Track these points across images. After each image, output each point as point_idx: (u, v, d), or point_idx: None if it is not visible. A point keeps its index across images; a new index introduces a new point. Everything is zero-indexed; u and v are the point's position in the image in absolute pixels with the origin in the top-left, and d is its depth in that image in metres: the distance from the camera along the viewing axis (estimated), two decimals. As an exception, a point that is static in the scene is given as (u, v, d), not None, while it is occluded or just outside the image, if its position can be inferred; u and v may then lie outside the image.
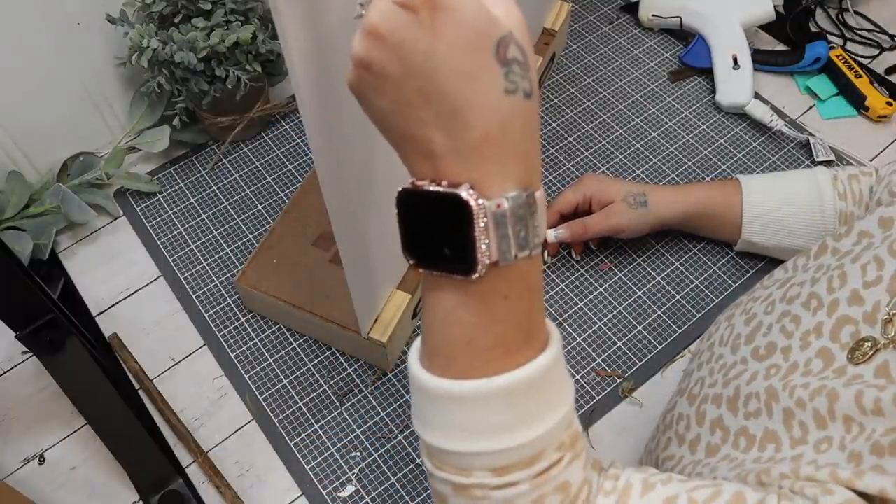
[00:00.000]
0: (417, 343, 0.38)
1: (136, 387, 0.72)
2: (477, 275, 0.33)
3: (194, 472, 0.67)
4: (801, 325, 0.50)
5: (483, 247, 0.32)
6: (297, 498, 0.66)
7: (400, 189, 0.34)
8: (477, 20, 0.31)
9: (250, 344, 0.74)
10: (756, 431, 0.48)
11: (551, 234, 0.75)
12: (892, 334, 0.43)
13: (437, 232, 0.34)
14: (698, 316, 0.76)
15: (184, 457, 0.68)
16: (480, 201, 0.32)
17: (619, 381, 0.72)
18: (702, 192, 0.75)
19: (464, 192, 0.32)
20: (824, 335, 0.47)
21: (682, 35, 1.00)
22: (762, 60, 0.94)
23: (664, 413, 0.61)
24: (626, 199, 0.74)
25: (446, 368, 0.36)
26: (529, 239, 0.34)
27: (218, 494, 0.66)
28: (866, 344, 0.43)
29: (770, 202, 0.72)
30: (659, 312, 0.76)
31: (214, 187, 0.86)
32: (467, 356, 0.35)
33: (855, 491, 0.37)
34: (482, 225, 0.32)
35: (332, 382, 0.72)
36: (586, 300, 0.77)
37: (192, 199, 0.85)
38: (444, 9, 0.30)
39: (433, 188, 0.33)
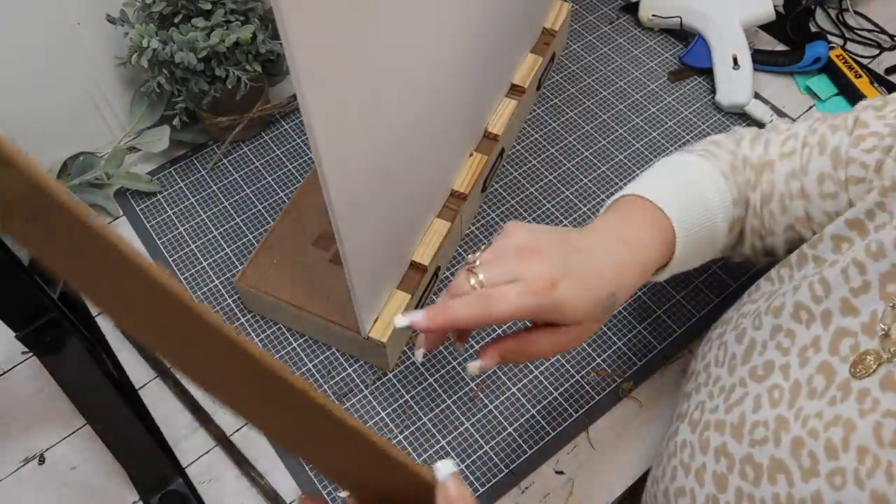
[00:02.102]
0: None
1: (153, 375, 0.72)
2: None
3: (194, 472, 0.67)
4: (797, 339, 0.49)
5: None
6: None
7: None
8: None
9: (250, 344, 0.74)
10: (761, 460, 0.46)
11: (474, 367, 0.48)
12: (894, 348, 0.42)
13: None
14: (698, 316, 0.76)
15: (184, 456, 0.68)
16: None
17: (619, 381, 0.72)
18: (650, 259, 0.52)
19: None
20: (823, 349, 0.46)
21: (682, 35, 1.00)
22: (762, 60, 0.94)
23: (667, 439, 0.60)
24: (596, 310, 0.48)
25: None
26: None
27: (242, 477, 0.66)
28: (869, 358, 0.43)
29: (691, 242, 0.56)
30: (659, 312, 0.76)
31: (214, 187, 0.86)
32: None
33: None
34: None
35: (332, 382, 0.72)
36: (586, 300, 0.77)
37: (192, 199, 0.85)
38: None
39: None
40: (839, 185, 0.53)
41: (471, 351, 0.73)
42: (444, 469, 0.37)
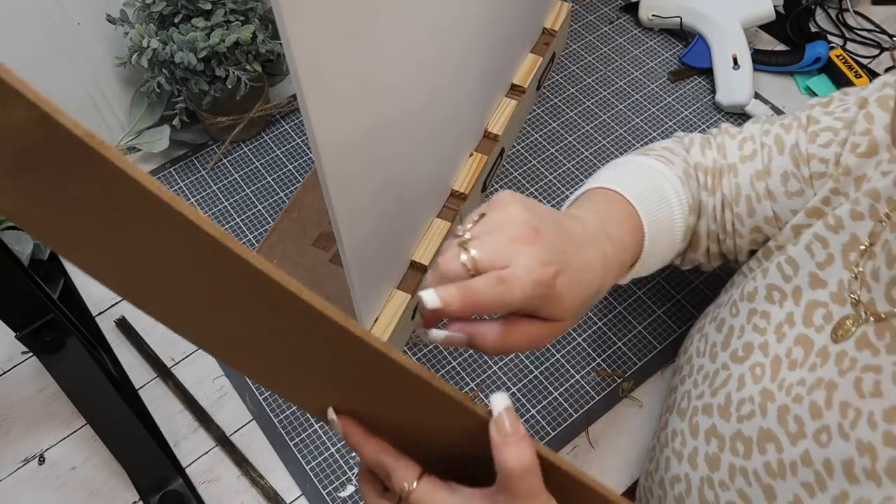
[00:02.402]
0: None
1: (153, 375, 0.72)
2: None
3: (194, 472, 0.67)
4: (772, 318, 0.51)
5: None
6: (298, 498, 0.66)
7: None
8: None
9: (250, 344, 0.74)
10: (750, 433, 0.48)
11: (437, 335, 0.41)
12: (866, 308, 0.44)
13: None
14: (698, 316, 0.76)
15: (184, 456, 0.68)
16: None
17: (619, 381, 0.72)
18: (626, 255, 0.51)
19: None
20: (797, 323, 0.49)
21: (682, 35, 1.00)
22: (762, 60, 0.94)
23: (657, 432, 0.61)
24: (581, 308, 0.45)
25: None
26: None
27: (243, 477, 0.66)
28: (848, 321, 0.45)
29: (657, 241, 0.54)
30: (659, 312, 0.76)
31: (214, 187, 0.86)
32: None
33: None
34: None
35: (332, 382, 0.72)
36: (586, 300, 0.77)
37: (192, 199, 0.85)
38: None
39: None
40: (804, 182, 0.54)
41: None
42: (500, 402, 0.35)
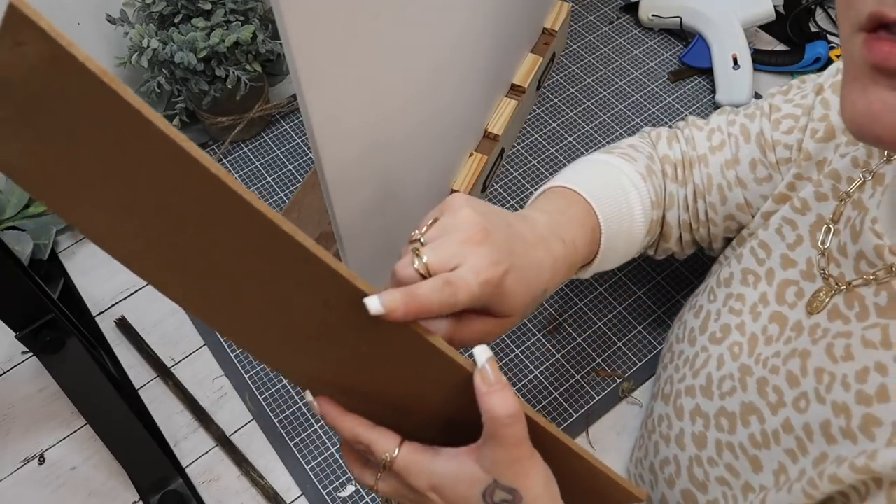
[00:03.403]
0: None
1: (153, 375, 0.72)
2: None
3: (194, 472, 0.67)
4: (747, 300, 0.53)
5: None
6: (297, 498, 0.66)
7: None
8: (457, 488, 0.39)
9: (250, 344, 0.74)
10: (733, 408, 0.50)
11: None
12: (836, 284, 0.46)
13: None
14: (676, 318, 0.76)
15: (184, 456, 0.68)
16: None
17: (619, 381, 0.72)
18: (579, 253, 0.51)
19: None
20: (771, 302, 0.51)
21: (682, 35, 1.00)
22: (762, 60, 0.94)
23: (644, 421, 0.62)
24: (529, 306, 0.46)
25: None
26: None
27: (243, 477, 0.66)
28: (822, 293, 0.47)
29: (614, 238, 0.55)
30: (659, 312, 0.76)
31: (214, 187, 0.86)
32: None
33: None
34: None
35: (332, 382, 0.72)
36: (586, 300, 0.77)
37: (192, 199, 0.85)
38: (436, 490, 0.39)
39: None
40: (771, 168, 0.57)
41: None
42: (482, 354, 0.37)
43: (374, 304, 0.35)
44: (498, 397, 0.36)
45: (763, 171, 0.57)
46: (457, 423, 0.39)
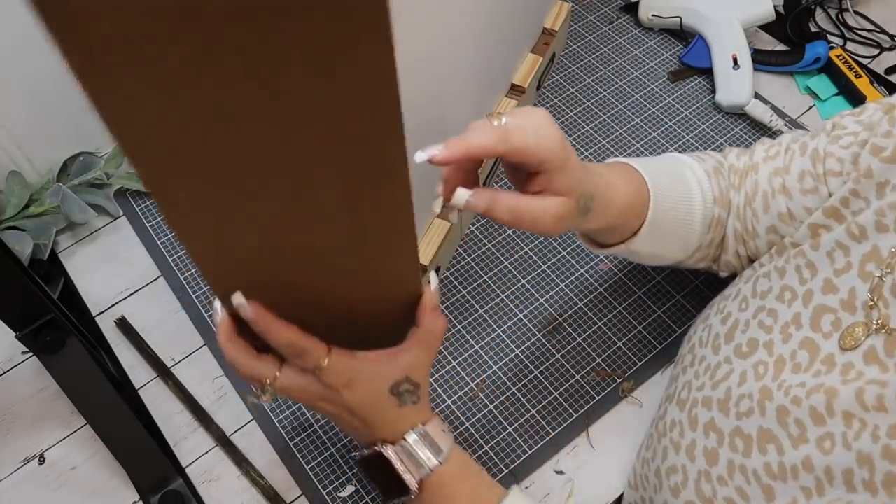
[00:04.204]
0: None
1: (153, 375, 0.72)
2: (414, 493, 0.50)
3: (194, 472, 0.67)
4: (779, 318, 0.51)
5: (407, 476, 0.49)
6: (297, 498, 0.66)
7: (355, 457, 0.53)
8: (372, 384, 0.49)
9: (250, 344, 0.74)
10: (750, 431, 0.48)
11: (461, 196, 0.49)
12: (879, 319, 0.44)
13: (384, 477, 0.51)
14: (698, 316, 0.76)
15: (184, 456, 0.68)
16: (389, 450, 0.50)
17: (619, 381, 0.72)
18: (625, 200, 0.55)
19: (380, 448, 0.50)
20: (804, 326, 0.49)
21: (682, 35, 1.00)
22: (762, 60, 0.95)
23: (655, 421, 0.61)
24: (578, 202, 0.50)
25: None
26: (434, 452, 0.50)
27: (243, 477, 0.66)
28: (858, 329, 0.45)
29: (667, 211, 0.58)
30: (659, 312, 0.76)
31: (214, 187, 0.86)
32: None
33: None
34: (399, 463, 0.50)
35: (332, 382, 0.72)
36: (586, 300, 0.77)
37: (192, 199, 0.85)
38: (349, 387, 0.48)
39: (366, 452, 0.52)
40: (818, 179, 0.55)
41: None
42: (435, 279, 0.49)
43: (418, 156, 0.44)
44: (440, 317, 0.49)
45: (810, 183, 0.55)
46: (362, 331, 0.46)
